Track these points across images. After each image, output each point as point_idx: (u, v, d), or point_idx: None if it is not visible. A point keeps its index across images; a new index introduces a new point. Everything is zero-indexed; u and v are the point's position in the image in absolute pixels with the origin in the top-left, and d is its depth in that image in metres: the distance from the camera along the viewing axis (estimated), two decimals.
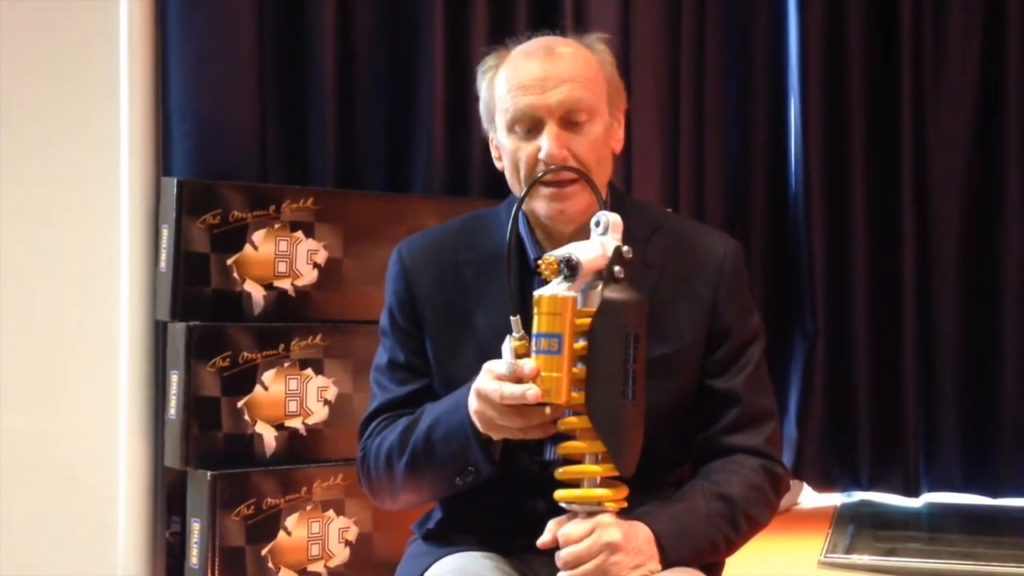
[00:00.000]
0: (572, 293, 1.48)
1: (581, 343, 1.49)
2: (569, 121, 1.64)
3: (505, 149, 1.68)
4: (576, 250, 1.49)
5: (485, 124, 1.75)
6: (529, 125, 1.64)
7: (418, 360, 1.74)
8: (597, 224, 1.53)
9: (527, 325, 1.50)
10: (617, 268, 1.50)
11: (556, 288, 1.48)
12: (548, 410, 1.50)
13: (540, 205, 1.65)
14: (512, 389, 1.47)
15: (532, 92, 1.63)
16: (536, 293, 1.49)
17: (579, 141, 1.64)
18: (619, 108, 1.73)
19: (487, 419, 1.53)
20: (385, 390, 1.76)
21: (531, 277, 1.68)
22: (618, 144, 1.72)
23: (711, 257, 1.72)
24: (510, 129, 1.66)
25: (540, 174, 1.61)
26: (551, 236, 1.69)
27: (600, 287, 1.50)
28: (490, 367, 1.52)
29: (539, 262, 1.51)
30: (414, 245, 1.78)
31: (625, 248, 1.51)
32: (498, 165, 1.74)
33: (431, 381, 1.74)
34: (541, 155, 1.62)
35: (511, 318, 1.51)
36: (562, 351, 1.46)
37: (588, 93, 1.65)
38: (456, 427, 1.59)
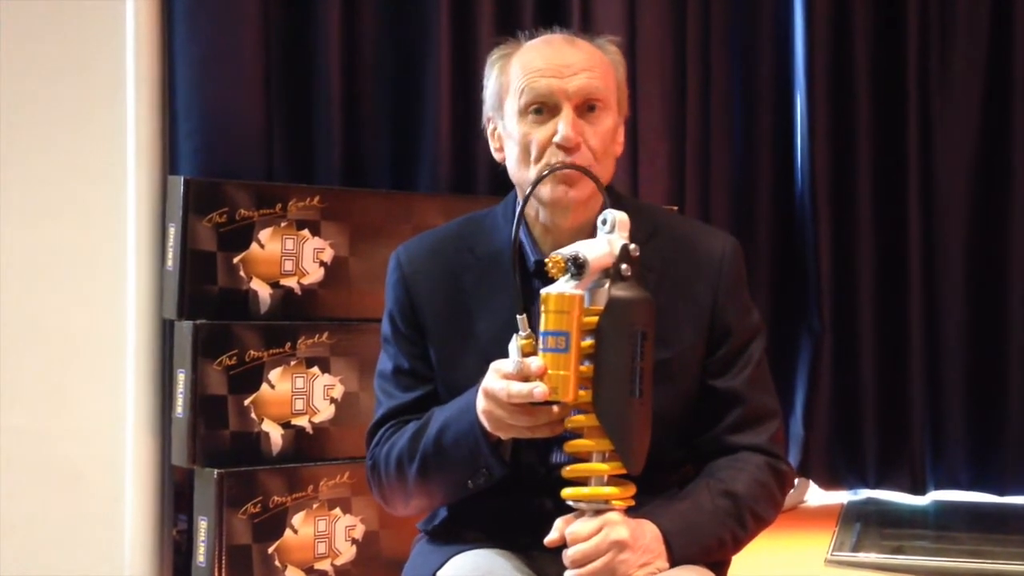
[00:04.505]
0: (579, 291, 1.47)
1: (588, 341, 1.48)
2: (585, 108, 1.64)
3: (513, 135, 1.66)
4: (583, 248, 1.48)
5: (489, 112, 1.73)
6: (544, 108, 1.64)
7: (422, 366, 1.73)
8: (604, 222, 1.53)
9: (533, 323, 1.50)
10: (624, 266, 1.50)
11: (563, 286, 1.47)
12: (555, 408, 1.49)
13: (545, 189, 1.64)
14: (519, 387, 1.47)
15: (551, 75, 1.63)
16: (543, 291, 1.48)
17: (592, 130, 1.64)
18: (623, 112, 1.73)
19: (495, 418, 1.52)
20: (391, 397, 1.74)
21: (530, 280, 1.67)
22: (619, 147, 1.71)
23: (710, 258, 1.71)
24: (522, 113, 1.65)
25: (547, 172, 1.61)
26: (550, 233, 1.68)
27: (607, 285, 1.49)
28: (497, 366, 1.51)
29: (546, 261, 1.50)
30: (412, 251, 1.76)
31: (632, 246, 1.50)
32: (498, 156, 1.73)
33: (436, 386, 1.73)
34: (556, 138, 1.62)
35: (517, 316, 1.50)
36: (569, 349, 1.46)
37: (604, 84, 1.66)
38: (466, 430, 1.58)
